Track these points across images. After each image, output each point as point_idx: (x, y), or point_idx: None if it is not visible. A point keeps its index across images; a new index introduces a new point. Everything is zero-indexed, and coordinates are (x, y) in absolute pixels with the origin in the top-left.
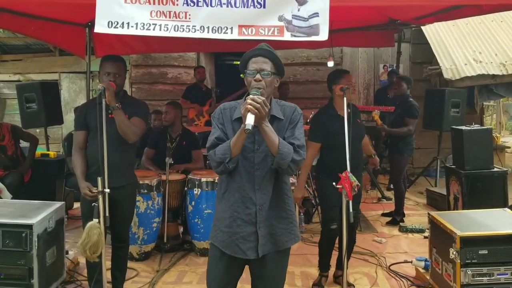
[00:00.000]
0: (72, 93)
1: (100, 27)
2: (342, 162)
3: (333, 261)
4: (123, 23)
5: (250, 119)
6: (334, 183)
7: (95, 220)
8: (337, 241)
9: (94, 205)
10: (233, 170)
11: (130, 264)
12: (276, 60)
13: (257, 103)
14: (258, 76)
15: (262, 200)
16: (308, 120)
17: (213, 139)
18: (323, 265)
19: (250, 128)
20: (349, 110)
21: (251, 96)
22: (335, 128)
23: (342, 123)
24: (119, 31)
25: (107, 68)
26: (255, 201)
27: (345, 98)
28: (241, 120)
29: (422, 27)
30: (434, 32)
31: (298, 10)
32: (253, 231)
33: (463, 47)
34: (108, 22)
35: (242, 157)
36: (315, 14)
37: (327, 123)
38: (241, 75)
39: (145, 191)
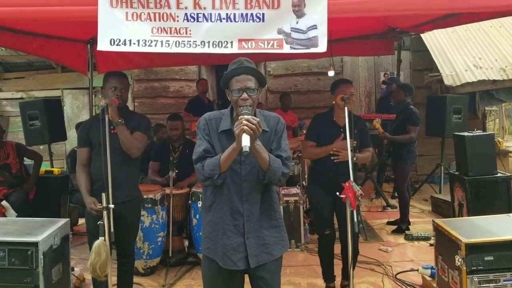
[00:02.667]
0: (75, 109)
1: (103, 45)
2: (332, 168)
3: (339, 272)
4: (125, 40)
5: (246, 141)
6: (337, 193)
7: (102, 238)
8: (339, 251)
9: (100, 223)
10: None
11: (135, 279)
12: (259, 75)
13: (253, 124)
14: (245, 95)
15: (249, 212)
16: None
17: (200, 152)
18: (327, 275)
19: (248, 150)
20: (349, 119)
21: (246, 116)
22: (326, 131)
23: (336, 129)
24: (121, 48)
25: (113, 83)
26: (242, 212)
27: (346, 108)
28: (227, 132)
29: (422, 35)
30: (433, 39)
31: (297, 22)
32: (241, 241)
33: (462, 53)
34: (111, 40)
35: (229, 169)
36: (314, 27)
37: (319, 124)
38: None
39: (150, 205)
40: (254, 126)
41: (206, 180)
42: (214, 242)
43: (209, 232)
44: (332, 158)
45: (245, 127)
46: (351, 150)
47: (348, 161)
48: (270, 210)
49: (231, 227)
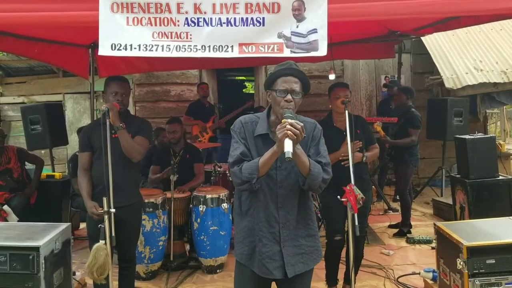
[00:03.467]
0: (77, 114)
1: (104, 50)
2: (340, 173)
3: (341, 275)
4: (126, 45)
5: (289, 146)
6: (338, 196)
7: (102, 242)
8: (344, 254)
9: (100, 226)
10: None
11: (137, 283)
12: (305, 80)
13: (297, 129)
14: (289, 96)
15: (285, 219)
16: None
17: (237, 155)
18: (330, 279)
19: (290, 156)
20: (349, 121)
21: (290, 121)
22: (329, 138)
23: (339, 134)
24: (122, 53)
25: (115, 88)
26: (278, 219)
27: (346, 112)
28: (264, 136)
29: (422, 38)
30: (434, 42)
31: (297, 26)
32: (277, 250)
33: (463, 56)
34: (112, 45)
35: (265, 174)
36: (314, 30)
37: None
38: (246, 87)
39: (151, 209)
40: (298, 131)
41: (243, 184)
42: (250, 249)
43: (243, 237)
44: (342, 163)
45: (289, 132)
46: (358, 151)
47: (358, 163)
48: (307, 219)
49: (266, 234)
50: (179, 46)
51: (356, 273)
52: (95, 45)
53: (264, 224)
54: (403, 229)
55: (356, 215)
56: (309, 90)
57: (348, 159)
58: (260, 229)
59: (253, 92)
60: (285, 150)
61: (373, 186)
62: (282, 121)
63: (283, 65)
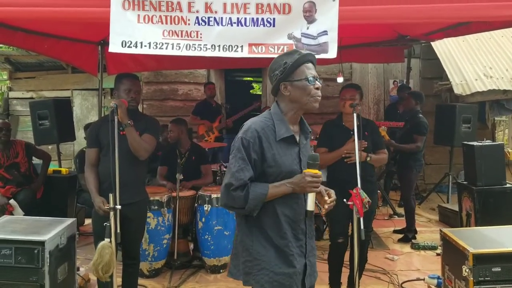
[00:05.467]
0: (84, 110)
1: (114, 47)
2: (347, 174)
3: (345, 279)
4: (136, 42)
5: (312, 202)
6: (344, 200)
7: (107, 240)
8: (347, 258)
9: (106, 224)
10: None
11: (140, 281)
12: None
13: (318, 181)
14: (318, 83)
15: (310, 228)
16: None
17: (245, 180)
18: (334, 282)
19: (313, 209)
20: (358, 123)
21: (320, 173)
22: (337, 136)
23: (346, 133)
24: (132, 50)
25: (128, 85)
26: (305, 230)
27: (354, 114)
28: (287, 139)
29: (432, 43)
30: (444, 47)
31: (307, 28)
32: (304, 263)
33: (473, 63)
34: (122, 42)
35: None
36: (324, 32)
37: (330, 130)
38: (253, 88)
39: (156, 207)
40: (319, 185)
41: (241, 210)
42: (282, 275)
43: (266, 263)
44: (345, 160)
45: (316, 189)
46: (363, 151)
47: (363, 164)
48: (312, 224)
49: (297, 250)
50: (189, 45)
51: (359, 277)
52: (104, 42)
53: (293, 240)
54: (408, 235)
55: (361, 219)
56: None
57: (350, 157)
58: (292, 246)
59: (260, 93)
60: (309, 208)
61: (378, 191)
62: (314, 171)
63: (299, 53)
